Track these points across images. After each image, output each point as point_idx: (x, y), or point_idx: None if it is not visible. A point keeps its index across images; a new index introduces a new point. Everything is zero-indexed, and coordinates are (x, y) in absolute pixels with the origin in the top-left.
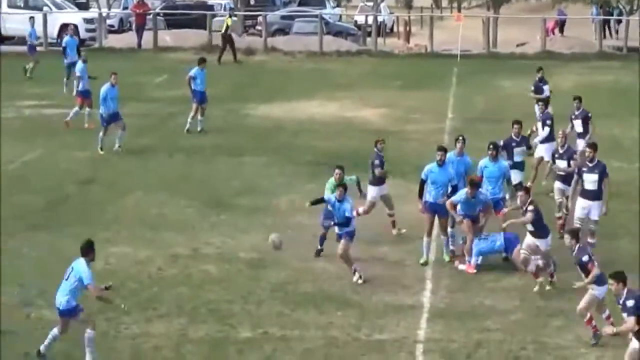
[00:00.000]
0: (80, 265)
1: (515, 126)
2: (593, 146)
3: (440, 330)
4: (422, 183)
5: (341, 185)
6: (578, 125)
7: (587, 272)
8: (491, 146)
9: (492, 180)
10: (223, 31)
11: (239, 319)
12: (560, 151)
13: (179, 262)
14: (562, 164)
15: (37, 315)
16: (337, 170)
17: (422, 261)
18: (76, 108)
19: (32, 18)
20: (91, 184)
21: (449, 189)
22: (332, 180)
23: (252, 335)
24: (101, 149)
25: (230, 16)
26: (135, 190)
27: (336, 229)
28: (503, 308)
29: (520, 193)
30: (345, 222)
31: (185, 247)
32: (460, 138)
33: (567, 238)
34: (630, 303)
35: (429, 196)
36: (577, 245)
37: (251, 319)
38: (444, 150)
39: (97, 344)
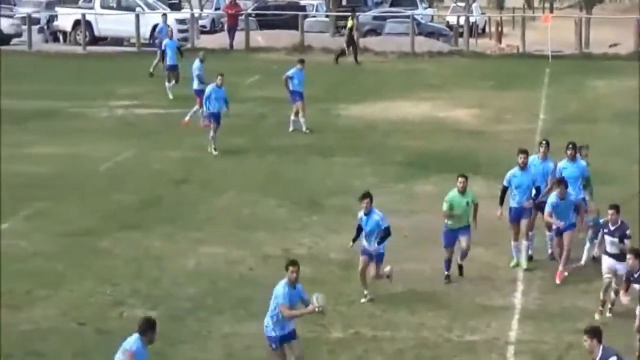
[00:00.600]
0: (278, 286)
1: None
2: None
3: (531, 331)
4: (504, 190)
5: (366, 195)
6: None
7: None
8: (570, 146)
9: (571, 181)
10: (347, 32)
11: (330, 319)
12: None
13: (270, 262)
14: None
15: (130, 314)
16: (460, 179)
17: (512, 264)
18: (196, 107)
19: (164, 15)
20: (184, 183)
21: (533, 192)
22: (453, 192)
23: (343, 336)
24: (215, 149)
25: (352, 18)
26: (228, 190)
27: (364, 244)
28: (595, 310)
29: (610, 212)
30: (385, 233)
31: (276, 247)
32: (544, 142)
33: (630, 258)
34: None
35: (512, 201)
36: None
37: (342, 320)
38: (525, 152)
39: (188, 342)
